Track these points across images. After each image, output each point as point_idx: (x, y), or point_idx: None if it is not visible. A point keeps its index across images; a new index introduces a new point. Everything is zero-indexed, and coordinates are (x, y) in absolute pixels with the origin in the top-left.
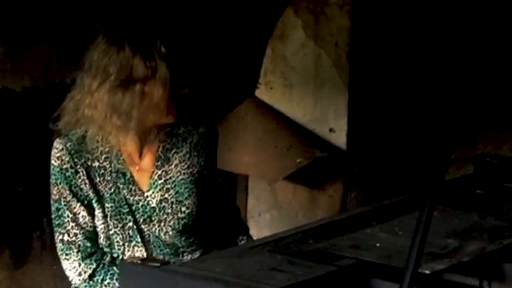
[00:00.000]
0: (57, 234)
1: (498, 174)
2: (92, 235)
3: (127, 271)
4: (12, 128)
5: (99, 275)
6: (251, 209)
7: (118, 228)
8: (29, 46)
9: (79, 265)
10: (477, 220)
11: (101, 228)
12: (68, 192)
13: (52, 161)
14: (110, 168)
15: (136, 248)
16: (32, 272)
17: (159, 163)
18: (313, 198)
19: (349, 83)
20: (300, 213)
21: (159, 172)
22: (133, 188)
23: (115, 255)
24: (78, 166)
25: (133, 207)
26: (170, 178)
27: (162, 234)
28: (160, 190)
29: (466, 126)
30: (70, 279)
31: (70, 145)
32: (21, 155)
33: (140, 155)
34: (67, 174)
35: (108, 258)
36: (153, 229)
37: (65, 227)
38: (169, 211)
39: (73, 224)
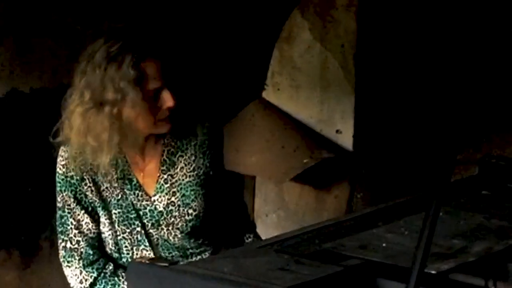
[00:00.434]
0: (60, 241)
1: (504, 175)
2: (95, 243)
3: (135, 270)
4: (21, 129)
5: (100, 284)
6: (258, 209)
7: (126, 233)
8: (37, 47)
9: (81, 272)
10: (482, 220)
11: (109, 235)
12: (72, 199)
13: (57, 169)
14: (116, 175)
15: (144, 252)
16: (41, 272)
17: (164, 167)
18: (320, 199)
19: (356, 84)
20: (307, 214)
21: (165, 176)
22: (140, 193)
23: (124, 260)
24: (84, 174)
25: (141, 212)
26: (176, 181)
27: (170, 237)
28: (166, 194)
29: (471, 127)
30: (71, 286)
31: (75, 153)
32: (30, 156)
33: (145, 160)
34: (72, 181)
35: (110, 268)
36: (162, 232)
37: (68, 234)
38: (177, 214)
39: (76, 232)
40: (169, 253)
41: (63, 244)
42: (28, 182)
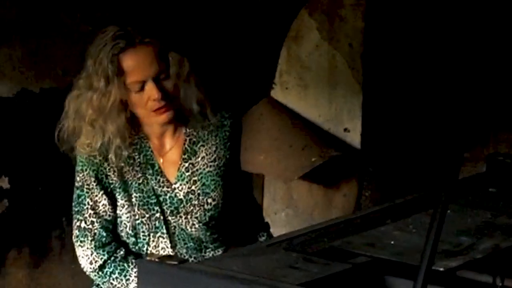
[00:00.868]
0: (75, 220)
1: (511, 172)
2: (109, 225)
3: (145, 269)
4: (31, 129)
5: (109, 268)
6: (267, 208)
7: (145, 218)
8: (47, 47)
9: (91, 253)
10: (490, 218)
11: (127, 217)
12: (93, 179)
13: (80, 148)
14: (139, 159)
15: (161, 239)
16: (51, 271)
17: (185, 156)
18: (328, 197)
19: (363, 83)
20: (315, 212)
21: (186, 165)
22: (161, 179)
23: (140, 245)
24: (109, 153)
25: (161, 198)
26: (197, 170)
27: (188, 226)
28: (187, 182)
29: (479, 125)
30: (82, 266)
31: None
32: (40, 155)
33: (166, 148)
34: (95, 161)
35: (121, 253)
36: (180, 221)
37: (83, 214)
38: (196, 202)
39: (92, 212)
40: (184, 244)
41: (77, 223)
42: (39, 181)
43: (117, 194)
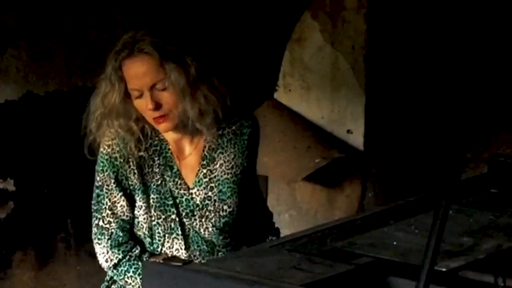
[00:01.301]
0: (94, 218)
1: None
2: (126, 225)
3: (150, 270)
4: (36, 132)
5: (124, 266)
6: (271, 209)
7: (161, 219)
8: (52, 50)
9: (107, 252)
10: (491, 218)
11: (144, 219)
12: (113, 180)
13: (101, 149)
14: (158, 161)
15: (175, 240)
16: (56, 272)
17: (204, 162)
18: (332, 198)
19: (366, 85)
20: (319, 213)
21: (204, 171)
22: (179, 181)
23: (155, 246)
24: (129, 156)
25: (178, 200)
26: (215, 177)
27: (202, 229)
28: (204, 188)
29: (480, 126)
30: (99, 262)
31: (122, 135)
32: (45, 158)
33: (185, 153)
34: (116, 162)
35: (136, 251)
36: (195, 223)
37: (101, 213)
38: (212, 208)
39: (109, 212)
40: (197, 246)
41: (96, 221)
42: (44, 183)
43: (135, 196)
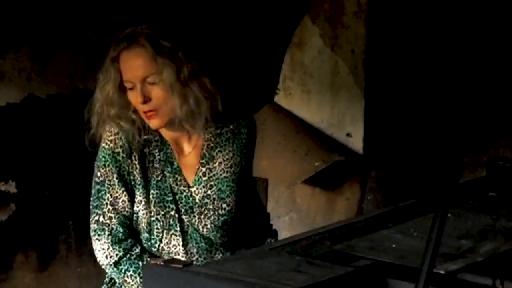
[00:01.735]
0: (93, 215)
1: (511, 177)
2: (126, 221)
3: (150, 272)
4: (38, 134)
5: (124, 265)
6: (271, 212)
7: (160, 215)
8: (54, 54)
9: (108, 248)
10: (490, 221)
11: (143, 214)
12: (115, 175)
13: (103, 144)
14: (159, 156)
15: (174, 237)
16: (58, 274)
17: (203, 160)
18: (331, 201)
19: (365, 89)
20: (318, 216)
21: (204, 170)
22: (179, 177)
23: (153, 241)
24: (132, 150)
25: (177, 197)
26: (214, 175)
27: (200, 226)
28: (204, 186)
29: (479, 130)
30: (98, 260)
31: (124, 130)
32: (47, 160)
33: (185, 151)
34: (118, 157)
35: (137, 250)
36: (193, 220)
37: (102, 209)
38: (211, 207)
39: (110, 208)
40: (195, 243)
41: (96, 218)
42: (45, 186)
43: (136, 191)
